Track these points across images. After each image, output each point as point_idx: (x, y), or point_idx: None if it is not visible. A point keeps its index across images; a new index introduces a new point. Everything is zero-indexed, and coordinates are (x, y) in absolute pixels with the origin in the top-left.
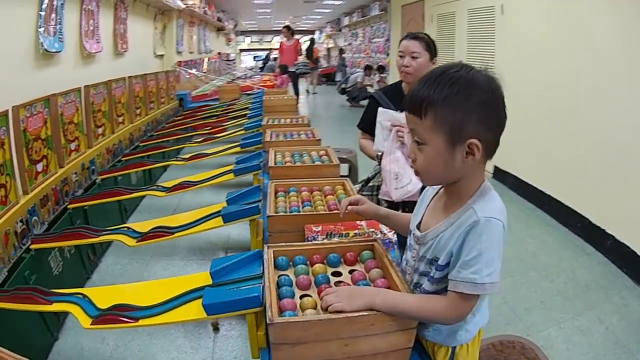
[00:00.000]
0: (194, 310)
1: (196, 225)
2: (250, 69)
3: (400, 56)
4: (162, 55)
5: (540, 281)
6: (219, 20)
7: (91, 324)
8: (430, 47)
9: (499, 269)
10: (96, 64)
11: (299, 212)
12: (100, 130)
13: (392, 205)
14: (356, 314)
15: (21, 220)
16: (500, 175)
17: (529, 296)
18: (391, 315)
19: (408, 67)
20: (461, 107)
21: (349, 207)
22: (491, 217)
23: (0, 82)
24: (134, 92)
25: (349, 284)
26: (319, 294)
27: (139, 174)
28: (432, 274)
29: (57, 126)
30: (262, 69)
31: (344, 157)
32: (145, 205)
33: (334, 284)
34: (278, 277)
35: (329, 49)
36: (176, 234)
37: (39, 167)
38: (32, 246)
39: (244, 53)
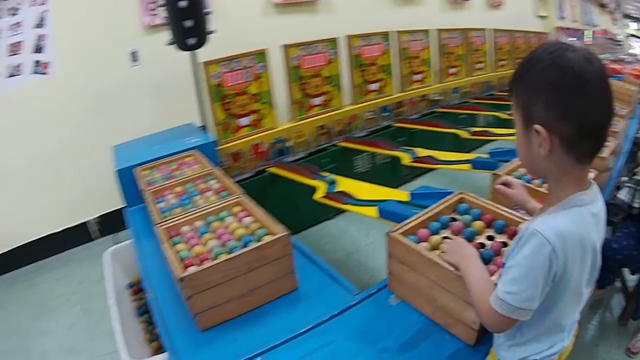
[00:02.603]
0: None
1: (454, 164)
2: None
3: None
4: (544, 17)
5: None
6: None
7: (320, 197)
8: None
9: (527, 295)
10: (466, 10)
11: (527, 182)
12: (453, 70)
13: None
14: (437, 260)
15: (338, 130)
16: None
17: None
18: None
19: None
20: (532, 84)
21: (497, 186)
22: (541, 232)
23: (361, 14)
24: (497, 44)
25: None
26: None
27: (489, 117)
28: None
29: (400, 58)
30: None
31: None
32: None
33: (477, 243)
34: (440, 215)
35: None
36: (437, 165)
37: (373, 86)
38: (339, 143)
39: (634, 39)
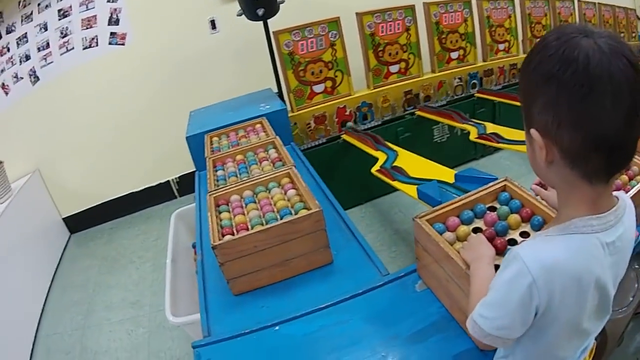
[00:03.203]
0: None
1: (514, 144)
2: None
3: None
4: None
5: None
6: None
7: (375, 171)
8: None
9: (502, 323)
10: None
11: None
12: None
13: None
14: (451, 254)
15: (417, 95)
16: None
17: None
18: None
19: None
20: (533, 77)
21: (533, 186)
22: (524, 259)
23: None
24: (584, 15)
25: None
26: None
27: None
28: None
29: (483, 26)
30: None
31: None
32: None
33: (506, 240)
34: (478, 203)
35: None
36: (499, 144)
37: (454, 55)
38: (417, 112)
39: None
